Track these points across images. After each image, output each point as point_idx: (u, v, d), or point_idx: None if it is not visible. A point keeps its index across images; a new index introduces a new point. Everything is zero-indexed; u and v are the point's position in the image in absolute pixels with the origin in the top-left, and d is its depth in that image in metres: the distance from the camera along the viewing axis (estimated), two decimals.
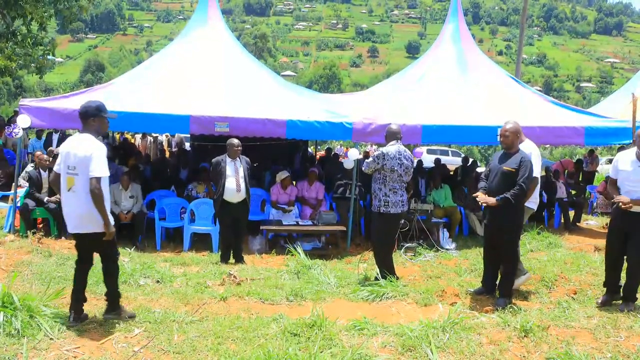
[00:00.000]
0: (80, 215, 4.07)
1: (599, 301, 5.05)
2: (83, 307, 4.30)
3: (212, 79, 8.41)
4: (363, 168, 5.84)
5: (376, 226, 5.82)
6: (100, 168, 3.96)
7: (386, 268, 5.71)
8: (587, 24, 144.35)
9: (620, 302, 5.00)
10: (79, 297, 4.25)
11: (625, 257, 5.00)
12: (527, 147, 5.44)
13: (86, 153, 3.97)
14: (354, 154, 7.53)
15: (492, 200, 4.90)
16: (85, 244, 4.21)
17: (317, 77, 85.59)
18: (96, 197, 3.94)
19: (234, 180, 6.67)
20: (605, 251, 5.19)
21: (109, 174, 4.08)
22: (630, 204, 4.70)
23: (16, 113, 9.02)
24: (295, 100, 8.66)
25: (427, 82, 9.64)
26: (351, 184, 8.08)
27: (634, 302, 4.92)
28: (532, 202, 5.44)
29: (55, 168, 4.22)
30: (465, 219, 8.95)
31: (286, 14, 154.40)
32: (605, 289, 5.18)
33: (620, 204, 4.73)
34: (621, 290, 5.03)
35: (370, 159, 5.71)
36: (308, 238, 8.02)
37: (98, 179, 3.94)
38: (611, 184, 5.10)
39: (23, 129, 7.42)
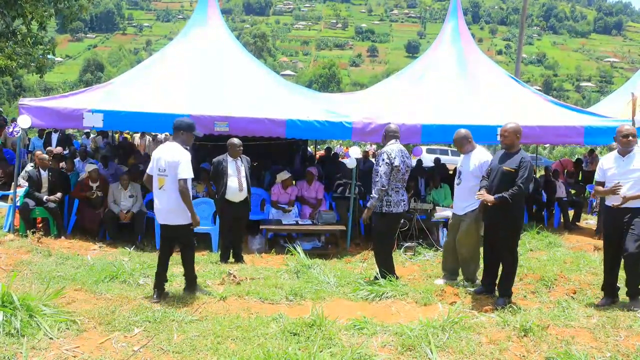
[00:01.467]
0: (168, 210, 4.87)
1: (597, 304, 5.05)
2: (164, 286, 5.07)
3: (211, 79, 8.41)
4: (383, 183, 5.51)
5: (378, 226, 5.79)
6: (187, 171, 4.75)
7: (386, 268, 5.71)
8: (586, 23, 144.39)
9: (628, 300, 4.97)
10: (161, 278, 5.02)
11: (622, 255, 5.00)
12: (480, 152, 5.68)
13: (174, 159, 4.76)
14: (355, 152, 7.53)
15: (490, 197, 4.90)
16: (169, 233, 5.03)
17: (317, 76, 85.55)
18: (184, 195, 4.76)
19: (236, 179, 6.67)
20: (603, 251, 5.20)
21: (193, 176, 4.83)
22: (627, 198, 4.76)
23: None
24: (295, 99, 8.66)
25: (427, 82, 9.64)
26: (351, 183, 8.08)
27: (637, 299, 4.88)
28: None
29: (147, 170, 5.06)
30: None
31: (286, 14, 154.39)
32: (603, 292, 5.18)
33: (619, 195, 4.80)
34: (626, 289, 5.00)
35: (383, 168, 5.50)
36: (308, 237, 8.02)
37: (185, 180, 4.73)
38: (598, 186, 5.16)
39: (23, 129, 7.42)
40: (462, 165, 5.75)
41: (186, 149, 4.91)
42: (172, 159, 4.76)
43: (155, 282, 5.03)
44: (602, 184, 5.09)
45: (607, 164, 5.05)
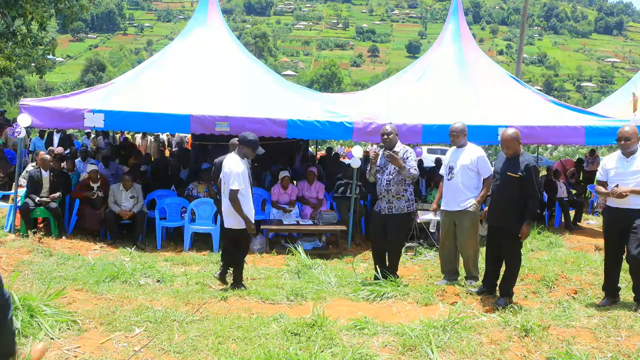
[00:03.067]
0: (224, 213, 5.45)
1: (598, 305, 5.05)
2: (225, 279, 5.59)
3: (212, 79, 8.42)
4: (414, 175, 5.55)
5: (400, 227, 5.73)
6: (236, 183, 5.24)
7: (396, 268, 5.75)
8: (587, 23, 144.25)
9: (635, 304, 4.92)
10: (224, 269, 5.61)
11: (623, 256, 4.99)
12: (474, 147, 5.75)
13: (229, 170, 5.31)
14: (358, 152, 7.52)
15: (526, 231, 4.88)
16: (228, 234, 5.60)
17: (318, 76, 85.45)
18: (233, 203, 5.26)
19: None
20: (605, 252, 5.20)
21: (243, 187, 5.28)
22: (627, 192, 4.74)
23: None
24: (296, 99, 8.67)
25: (428, 82, 9.64)
26: (352, 183, 8.08)
27: None
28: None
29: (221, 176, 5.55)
30: None
31: (287, 14, 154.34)
32: (604, 292, 5.17)
33: (617, 193, 4.78)
34: (633, 294, 4.97)
35: (414, 164, 5.52)
36: (308, 238, 8.02)
37: (235, 191, 5.23)
38: (600, 185, 5.13)
39: (24, 128, 7.43)
40: (452, 160, 5.74)
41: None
42: (228, 170, 5.30)
43: (219, 275, 5.60)
44: (605, 183, 5.07)
45: (610, 164, 5.04)
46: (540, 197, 9.72)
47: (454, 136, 5.76)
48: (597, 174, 5.28)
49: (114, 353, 3.78)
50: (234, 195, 5.22)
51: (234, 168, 5.28)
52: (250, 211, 5.42)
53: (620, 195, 4.78)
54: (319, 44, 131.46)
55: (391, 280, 5.49)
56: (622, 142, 4.89)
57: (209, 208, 7.77)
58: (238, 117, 7.50)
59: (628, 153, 4.90)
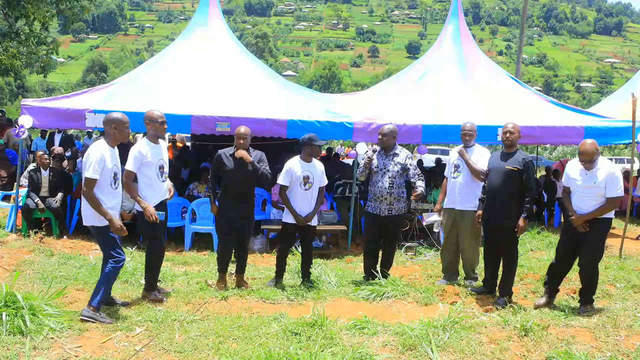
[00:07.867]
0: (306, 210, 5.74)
1: (536, 304, 5.02)
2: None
3: (213, 79, 8.43)
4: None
5: (400, 227, 5.98)
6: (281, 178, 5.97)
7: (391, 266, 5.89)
8: (587, 24, 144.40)
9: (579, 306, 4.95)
10: (280, 270, 5.75)
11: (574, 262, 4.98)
12: (481, 147, 5.81)
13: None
14: (362, 148, 7.53)
15: (523, 225, 4.91)
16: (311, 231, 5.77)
17: (318, 77, 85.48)
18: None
19: None
20: (556, 256, 5.12)
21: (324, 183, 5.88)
22: (581, 221, 4.73)
23: None
24: (296, 100, 8.68)
25: (428, 82, 9.64)
26: (350, 183, 8.08)
27: (591, 304, 4.87)
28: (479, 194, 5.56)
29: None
30: None
31: (287, 14, 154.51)
32: (544, 290, 5.19)
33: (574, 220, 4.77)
34: (578, 295, 5.00)
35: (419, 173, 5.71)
36: None
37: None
38: (565, 192, 5.03)
39: (27, 130, 7.45)
40: (459, 159, 5.77)
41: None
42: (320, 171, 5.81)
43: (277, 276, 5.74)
44: (569, 189, 4.95)
45: (573, 174, 4.87)
46: (539, 197, 9.80)
47: (470, 135, 5.76)
48: (563, 179, 5.09)
49: (115, 352, 3.79)
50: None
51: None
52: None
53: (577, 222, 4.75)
54: (319, 45, 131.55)
55: (392, 280, 5.51)
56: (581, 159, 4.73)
57: (209, 208, 7.76)
58: (239, 117, 7.51)
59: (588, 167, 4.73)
